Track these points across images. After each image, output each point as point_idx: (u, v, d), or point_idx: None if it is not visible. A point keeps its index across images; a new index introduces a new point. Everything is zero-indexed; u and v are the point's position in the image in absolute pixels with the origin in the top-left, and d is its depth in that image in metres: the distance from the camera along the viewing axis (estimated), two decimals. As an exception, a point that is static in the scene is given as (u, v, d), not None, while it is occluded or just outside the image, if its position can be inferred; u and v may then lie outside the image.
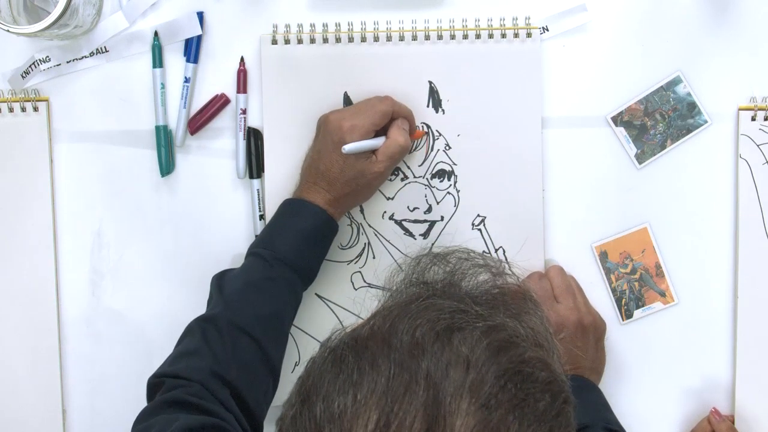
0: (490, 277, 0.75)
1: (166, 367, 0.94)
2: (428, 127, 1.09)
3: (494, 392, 0.64)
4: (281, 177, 1.09)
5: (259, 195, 1.10)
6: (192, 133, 1.11)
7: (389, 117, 1.04)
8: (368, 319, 0.70)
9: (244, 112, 1.09)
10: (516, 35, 1.08)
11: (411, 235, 1.10)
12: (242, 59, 1.10)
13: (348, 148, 1.00)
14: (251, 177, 1.10)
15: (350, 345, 0.68)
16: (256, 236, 1.08)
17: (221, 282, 1.02)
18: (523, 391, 0.65)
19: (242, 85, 1.10)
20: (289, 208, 1.04)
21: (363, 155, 1.02)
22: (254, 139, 1.10)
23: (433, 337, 0.66)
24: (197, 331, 0.96)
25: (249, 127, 1.10)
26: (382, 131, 1.04)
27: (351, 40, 1.08)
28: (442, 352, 0.65)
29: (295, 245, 1.02)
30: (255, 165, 1.10)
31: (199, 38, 1.09)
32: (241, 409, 0.91)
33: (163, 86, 1.10)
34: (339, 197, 1.03)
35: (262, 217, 1.10)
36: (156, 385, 0.92)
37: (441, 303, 0.69)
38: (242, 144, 1.10)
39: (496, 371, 0.64)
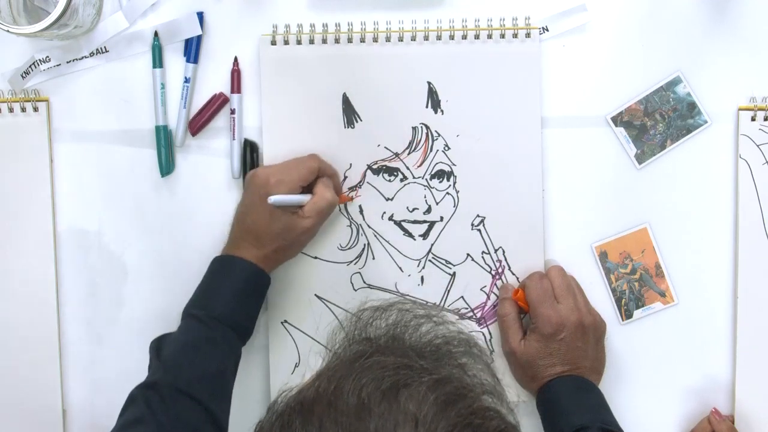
0: (433, 327, 0.75)
1: None
2: (427, 127, 1.09)
3: None
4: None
5: None
6: (194, 134, 1.11)
7: (316, 173, 1.05)
8: (313, 380, 0.69)
9: (233, 112, 1.09)
10: (515, 35, 1.08)
11: (410, 235, 1.10)
12: (236, 59, 1.10)
13: (273, 199, 1.00)
14: None
15: (297, 409, 0.67)
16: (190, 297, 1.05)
17: (159, 347, 1.01)
18: None
19: (236, 85, 1.10)
20: (219, 266, 1.04)
21: (290, 210, 1.02)
22: (250, 151, 1.10)
23: (379, 396, 0.65)
24: (140, 400, 0.95)
25: (245, 139, 1.10)
26: (308, 190, 1.04)
27: (351, 40, 1.08)
28: (390, 411, 0.64)
29: (230, 303, 1.01)
30: None
31: (199, 38, 1.09)
32: None
33: (163, 86, 1.10)
34: (267, 253, 1.03)
35: None
36: None
37: (385, 360, 0.68)
38: (235, 144, 1.10)
39: (446, 426, 0.64)
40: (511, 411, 0.70)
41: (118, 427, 0.94)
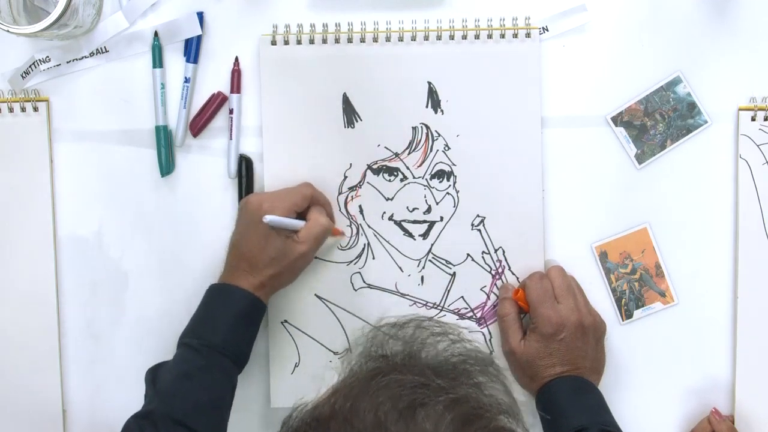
0: (450, 345, 0.75)
1: None
2: (427, 127, 1.09)
3: None
4: (280, 177, 1.09)
5: None
6: (195, 135, 1.11)
7: (308, 201, 1.05)
8: (329, 397, 0.69)
9: (231, 112, 1.09)
10: (515, 35, 1.08)
11: (410, 235, 1.10)
12: (236, 59, 1.10)
13: (269, 218, 0.99)
14: None
15: (312, 426, 0.67)
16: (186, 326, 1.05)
17: (155, 376, 1.01)
18: None
19: (236, 85, 1.09)
20: (214, 294, 1.03)
21: (284, 235, 1.02)
22: (246, 167, 1.10)
23: (396, 415, 0.65)
24: (135, 430, 0.95)
25: (241, 155, 1.10)
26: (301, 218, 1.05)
27: (351, 40, 1.08)
28: (407, 431, 0.65)
29: (224, 331, 1.00)
30: (246, 192, 1.10)
31: (198, 38, 1.09)
32: None
33: (163, 86, 1.10)
34: (263, 280, 1.02)
35: None
36: None
37: (402, 378, 0.68)
38: (232, 144, 1.10)
39: None
40: (526, 430, 0.70)
41: None
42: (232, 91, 1.10)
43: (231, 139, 1.10)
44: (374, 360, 0.73)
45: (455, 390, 0.68)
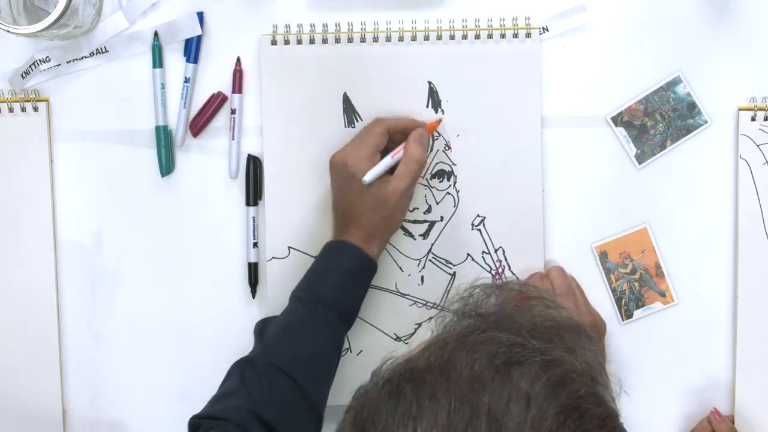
0: (544, 309, 0.75)
1: (206, 409, 0.95)
2: (428, 127, 1.09)
3: (554, 429, 0.64)
4: (281, 177, 1.10)
5: (254, 222, 1.10)
6: (195, 135, 1.10)
7: (386, 136, 1.04)
8: (423, 351, 0.69)
9: (234, 112, 1.09)
10: (516, 35, 1.08)
11: (411, 235, 1.10)
12: (238, 59, 1.10)
13: (368, 177, 1.00)
14: (248, 204, 1.10)
15: (407, 376, 0.68)
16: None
17: (263, 327, 1.03)
18: (581, 428, 0.65)
19: (238, 85, 1.09)
20: (327, 250, 1.04)
21: (378, 180, 1.02)
22: (254, 166, 1.10)
23: (493, 371, 0.66)
24: (236, 373, 0.97)
25: (249, 155, 1.10)
26: (388, 151, 1.04)
27: (351, 40, 1.08)
28: (503, 386, 0.65)
29: (333, 286, 1.01)
30: (253, 192, 1.10)
31: (199, 38, 1.09)
32: None
33: (163, 86, 1.10)
34: (372, 231, 1.03)
35: (255, 245, 1.10)
36: (195, 426, 0.93)
37: (499, 336, 0.68)
38: (234, 144, 1.10)
39: (556, 407, 0.65)
40: (614, 400, 0.71)
41: (214, 398, 0.96)
42: (234, 91, 1.09)
43: (233, 139, 1.10)
44: (469, 317, 0.73)
45: (550, 352, 0.68)
